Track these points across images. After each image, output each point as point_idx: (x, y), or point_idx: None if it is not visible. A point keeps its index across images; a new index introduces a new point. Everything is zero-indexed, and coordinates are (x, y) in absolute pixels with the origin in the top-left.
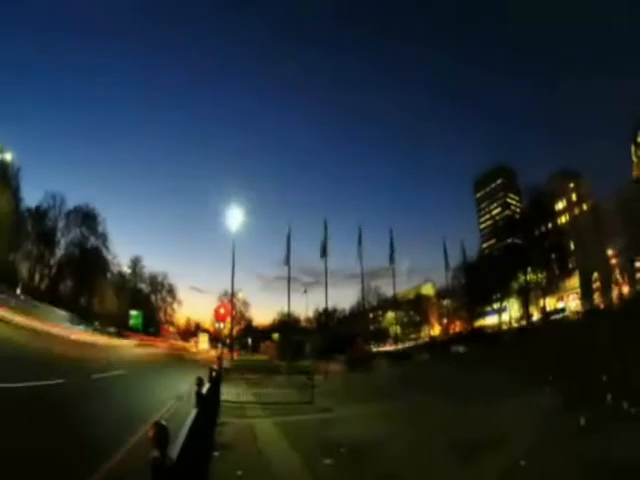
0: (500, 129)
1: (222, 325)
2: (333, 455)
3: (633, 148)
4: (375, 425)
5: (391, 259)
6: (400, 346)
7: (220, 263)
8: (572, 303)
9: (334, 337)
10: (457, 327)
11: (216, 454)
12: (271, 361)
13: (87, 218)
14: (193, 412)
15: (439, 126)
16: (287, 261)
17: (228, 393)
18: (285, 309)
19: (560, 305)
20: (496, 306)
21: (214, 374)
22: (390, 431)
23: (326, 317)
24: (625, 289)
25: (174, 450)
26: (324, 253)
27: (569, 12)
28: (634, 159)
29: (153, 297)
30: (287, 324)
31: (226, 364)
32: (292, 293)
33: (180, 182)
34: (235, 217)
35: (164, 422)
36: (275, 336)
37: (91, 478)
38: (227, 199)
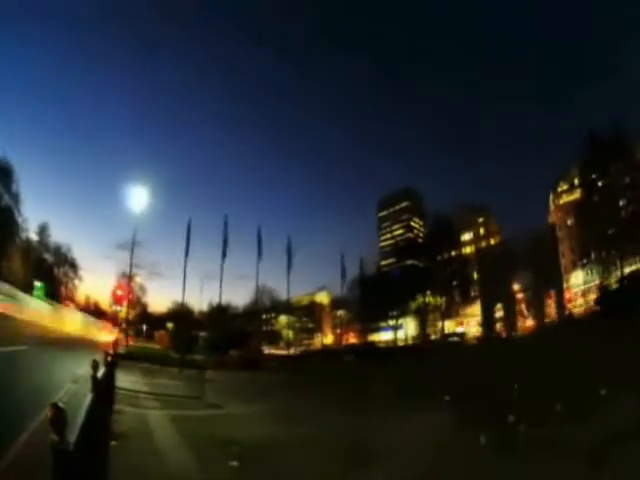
0: (412, 153)
1: (119, 308)
2: (225, 454)
3: (552, 196)
4: (265, 426)
5: (289, 265)
6: (292, 351)
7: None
8: (472, 329)
9: (228, 334)
10: (351, 338)
11: (113, 443)
12: (165, 351)
13: (1, 173)
14: (89, 397)
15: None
16: (186, 253)
17: (123, 380)
18: (179, 299)
19: (459, 329)
20: (392, 323)
21: (109, 359)
22: (281, 433)
23: (219, 312)
24: (529, 322)
25: (72, 434)
26: (224, 249)
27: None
28: (551, 205)
29: (56, 270)
30: (181, 314)
31: (121, 350)
32: (191, 286)
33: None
34: (139, 197)
35: (62, 404)
36: (169, 326)
37: None
38: (132, 179)
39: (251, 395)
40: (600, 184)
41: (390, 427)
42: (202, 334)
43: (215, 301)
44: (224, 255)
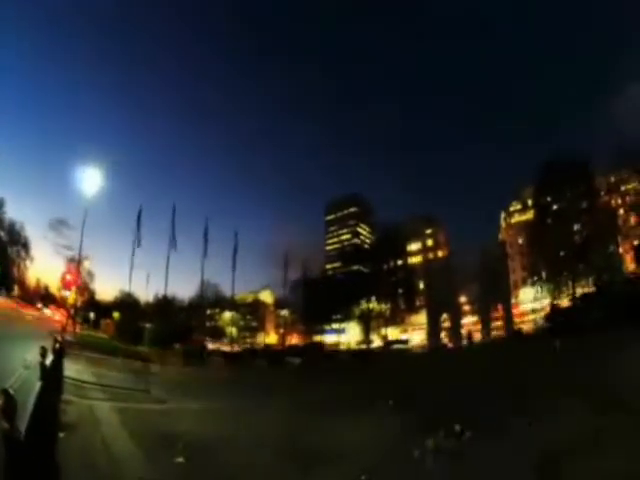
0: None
1: (68, 293)
2: (171, 450)
3: (503, 214)
4: (209, 422)
5: (234, 261)
6: (235, 347)
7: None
8: (417, 337)
9: (173, 327)
10: (294, 339)
11: (61, 435)
12: (111, 341)
13: None
14: (38, 385)
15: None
16: (136, 242)
17: (70, 369)
18: (127, 287)
19: (403, 337)
20: (336, 326)
21: (57, 346)
22: (223, 429)
23: (165, 305)
24: (477, 334)
25: (22, 423)
26: (171, 240)
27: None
28: (502, 224)
29: (9, 249)
30: (127, 304)
31: (68, 337)
32: (139, 276)
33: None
34: (91, 179)
35: (12, 391)
36: (115, 315)
37: None
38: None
39: (195, 390)
40: (555, 207)
41: (331, 427)
42: (148, 325)
43: (161, 293)
44: (172, 246)
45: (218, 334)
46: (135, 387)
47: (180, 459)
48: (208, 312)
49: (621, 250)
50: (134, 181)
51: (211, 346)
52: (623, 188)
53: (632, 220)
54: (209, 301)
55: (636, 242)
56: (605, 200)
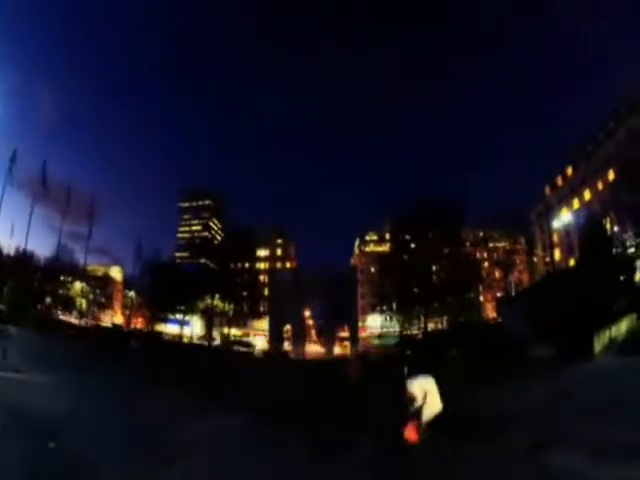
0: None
1: None
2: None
3: (358, 241)
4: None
5: (90, 229)
6: (84, 322)
7: None
8: (259, 342)
9: (28, 288)
10: (139, 323)
11: None
12: None
13: None
14: None
15: None
16: (8, 182)
17: None
18: None
19: (246, 340)
20: (179, 317)
21: None
22: (77, 405)
23: (24, 261)
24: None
25: None
26: (40, 193)
27: None
28: (356, 250)
29: None
30: None
31: None
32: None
33: None
34: None
35: None
36: None
37: None
38: None
39: (51, 361)
40: (414, 246)
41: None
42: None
43: (21, 246)
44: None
45: (68, 305)
46: None
47: (52, 444)
48: (62, 278)
49: (482, 298)
50: None
51: (63, 317)
52: (492, 245)
53: (497, 274)
54: (64, 266)
55: (499, 294)
56: (470, 251)
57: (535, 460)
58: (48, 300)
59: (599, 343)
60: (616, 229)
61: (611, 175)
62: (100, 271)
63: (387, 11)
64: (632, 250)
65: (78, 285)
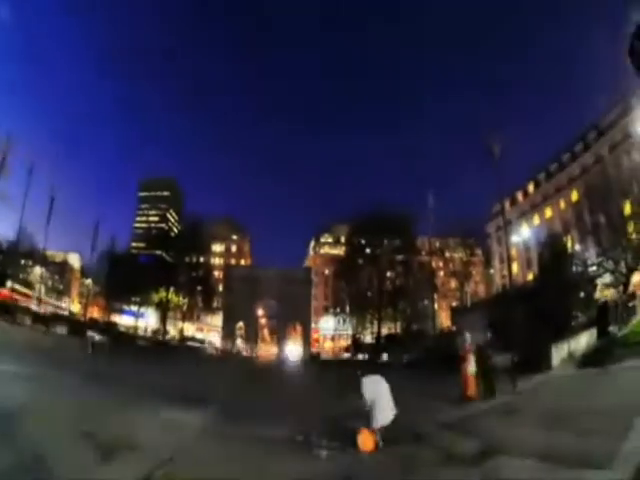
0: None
1: None
2: None
3: (313, 242)
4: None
5: (49, 214)
6: (42, 309)
7: None
8: (213, 338)
9: None
10: (95, 312)
11: None
12: None
13: None
14: None
15: None
16: None
17: None
18: None
19: (199, 335)
20: (134, 308)
21: None
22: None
23: None
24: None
25: None
26: None
27: None
28: (311, 251)
29: None
30: None
31: None
32: None
33: None
34: None
35: None
36: None
37: None
38: None
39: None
40: (368, 251)
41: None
42: None
43: None
44: None
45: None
46: None
47: None
48: (22, 262)
49: (437, 307)
50: None
51: (23, 302)
52: (448, 255)
53: (452, 284)
54: (24, 250)
55: (454, 303)
56: (425, 260)
57: (483, 466)
58: (9, 284)
59: (558, 355)
60: (577, 247)
61: (574, 196)
62: (59, 257)
63: None
64: (594, 268)
65: (37, 270)
